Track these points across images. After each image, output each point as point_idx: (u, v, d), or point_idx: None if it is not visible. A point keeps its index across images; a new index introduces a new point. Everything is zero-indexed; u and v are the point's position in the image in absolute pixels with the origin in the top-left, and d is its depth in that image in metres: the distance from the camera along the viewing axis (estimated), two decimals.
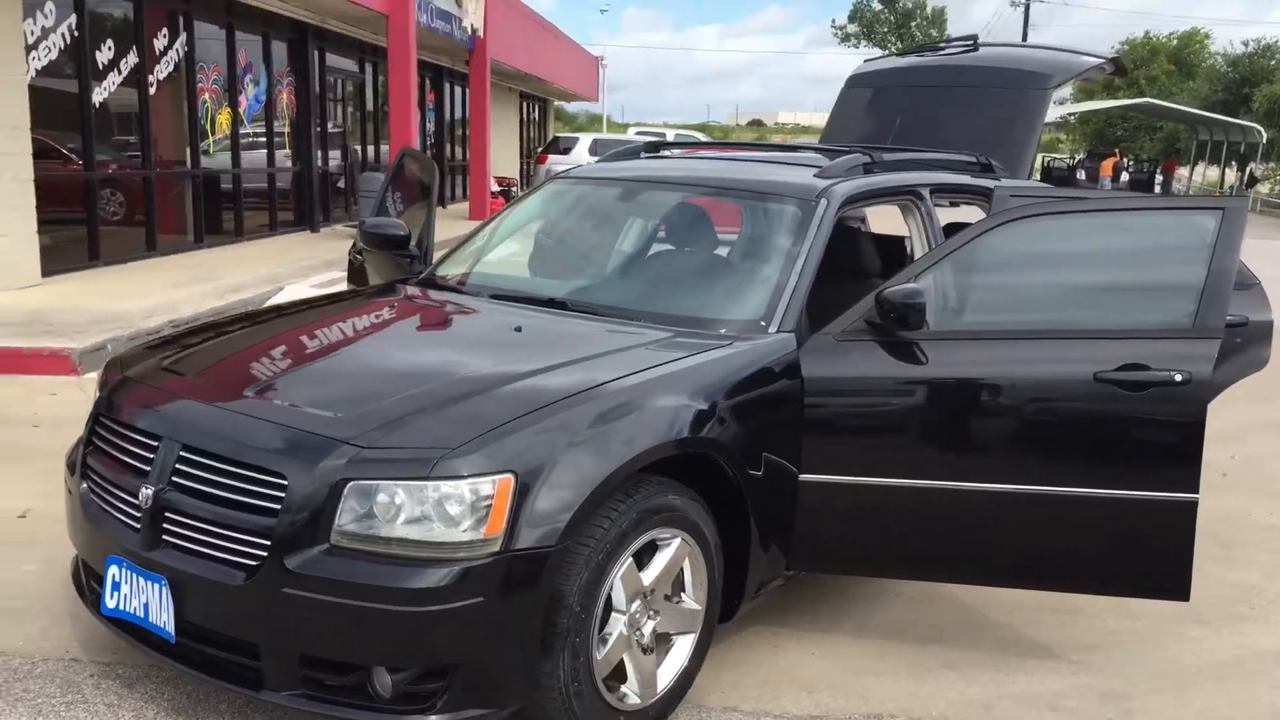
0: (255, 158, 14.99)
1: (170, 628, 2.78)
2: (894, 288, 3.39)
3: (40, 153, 9.98)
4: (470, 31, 18.87)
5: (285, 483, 2.65)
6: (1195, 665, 3.76)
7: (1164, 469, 3.30)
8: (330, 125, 17.62)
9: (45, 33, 10.20)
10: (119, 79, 11.44)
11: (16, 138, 9.53)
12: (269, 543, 2.63)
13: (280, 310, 3.96)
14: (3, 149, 9.35)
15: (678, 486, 3.04)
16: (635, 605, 3.00)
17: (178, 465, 2.82)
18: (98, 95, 11.06)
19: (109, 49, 11.26)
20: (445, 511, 2.60)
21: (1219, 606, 4.23)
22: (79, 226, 10.92)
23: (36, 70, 10.05)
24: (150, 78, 12.07)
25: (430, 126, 23.94)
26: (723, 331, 3.49)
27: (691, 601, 3.18)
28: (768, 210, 3.99)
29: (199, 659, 2.79)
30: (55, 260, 10.15)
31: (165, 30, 12.43)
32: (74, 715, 3.03)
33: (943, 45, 6.36)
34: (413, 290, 4.10)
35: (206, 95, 13.48)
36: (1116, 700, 3.47)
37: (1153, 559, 3.39)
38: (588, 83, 41.87)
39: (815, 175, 4.10)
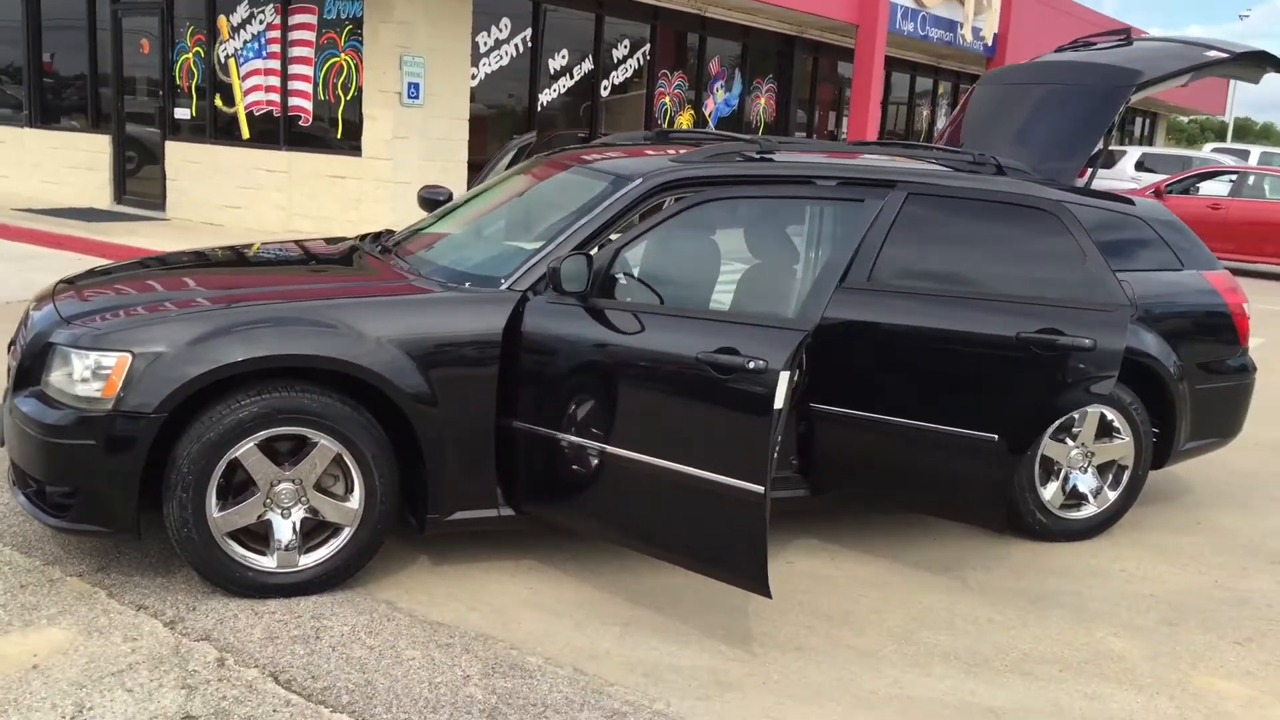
0: None
1: None
2: (556, 257, 3.66)
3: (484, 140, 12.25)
4: (974, 37, 18.62)
5: (18, 341, 3.78)
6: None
7: (735, 455, 3.22)
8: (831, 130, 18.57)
9: (498, 43, 12.42)
10: (570, 82, 13.45)
11: (456, 127, 11.81)
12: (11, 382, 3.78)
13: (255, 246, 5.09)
14: (446, 135, 11.67)
15: (323, 395, 3.64)
16: (282, 487, 3.69)
17: (21, 329, 4.08)
18: (545, 95, 13.14)
19: (562, 57, 13.30)
20: (83, 374, 3.55)
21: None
22: None
23: (486, 73, 12.30)
24: (604, 82, 13.96)
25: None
26: (466, 285, 3.97)
27: (351, 501, 3.78)
28: (596, 188, 4.30)
29: None
30: None
31: (627, 42, 14.25)
32: None
33: (1094, 40, 5.71)
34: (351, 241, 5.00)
35: (667, 99, 15.15)
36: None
37: (729, 542, 3.31)
38: (1209, 94, 37.95)
39: (672, 160, 4.30)
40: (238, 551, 3.69)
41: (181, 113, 13.37)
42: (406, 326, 3.75)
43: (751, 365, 3.18)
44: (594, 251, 3.82)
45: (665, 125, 15.19)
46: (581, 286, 3.64)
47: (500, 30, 12.41)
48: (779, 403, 3.16)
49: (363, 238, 5.02)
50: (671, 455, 3.40)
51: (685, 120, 15.54)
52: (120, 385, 3.51)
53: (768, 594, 3.28)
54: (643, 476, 3.49)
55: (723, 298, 3.68)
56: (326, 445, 3.70)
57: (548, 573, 4.13)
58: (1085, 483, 4.75)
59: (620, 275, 3.78)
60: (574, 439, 3.68)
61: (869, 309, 4.10)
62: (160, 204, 13.54)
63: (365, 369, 3.65)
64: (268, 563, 3.73)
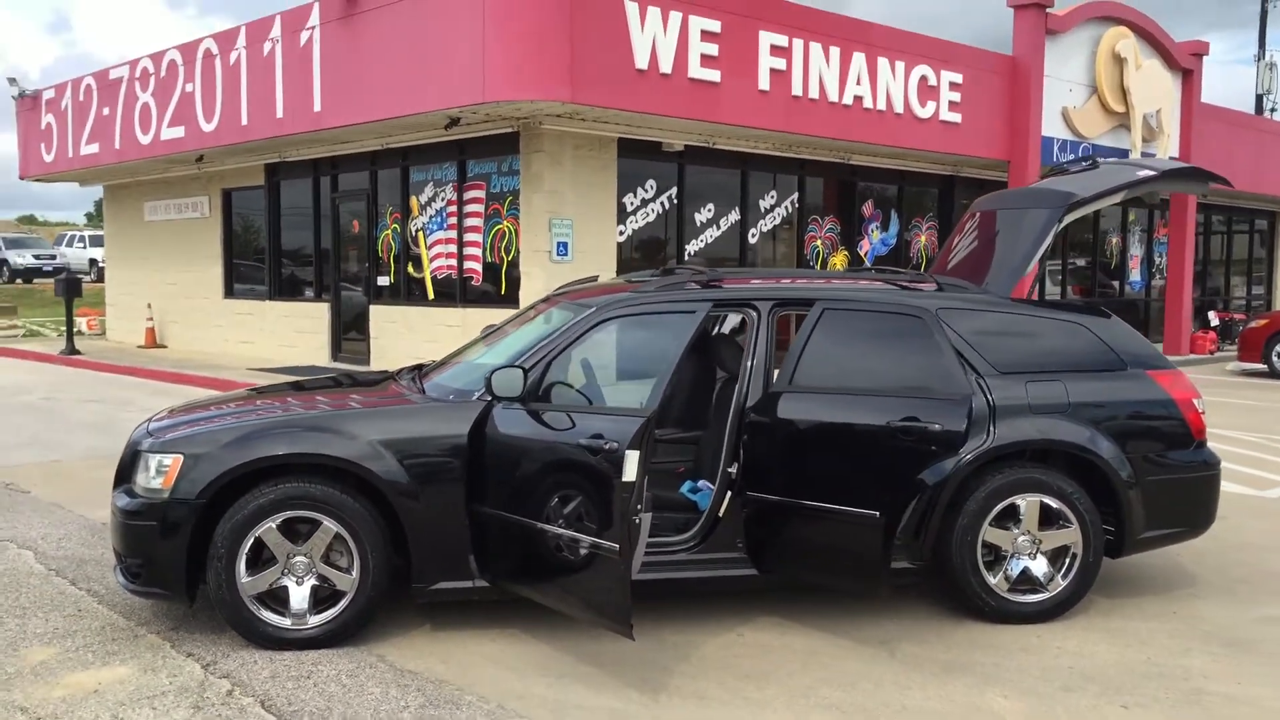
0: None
1: None
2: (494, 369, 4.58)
3: None
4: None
5: (122, 452, 5.01)
6: None
7: (603, 520, 3.96)
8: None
9: (644, 202, 13.71)
10: (717, 232, 14.55)
11: (604, 274, 13.04)
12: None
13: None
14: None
15: (326, 486, 4.64)
16: (297, 560, 4.69)
17: None
18: (693, 245, 14.27)
19: (708, 210, 14.45)
20: (150, 471, 4.71)
21: None
22: None
23: (633, 229, 13.58)
24: (752, 230, 14.98)
25: (1159, 259, 23.28)
26: (450, 397, 4.93)
27: (351, 572, 4.72)
28: (568, 317, 5.18)
29: None
30: None
31: (774, 193, 15.27)
32: None
33: (1069, 167, 6.19)
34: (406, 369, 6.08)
35: (818, 242, 15.98)
36: None
37: (602, 593, 4.03)
38: None
39: (629, 293, 5.16)
40: (261, 612, 4.69)
41: (382, 280, 15.31)
42: (391, 429, 4.73)
43: (608, 446, 3.96)
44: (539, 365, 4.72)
45: (818, 266, 16.00)
46: (514, 393, 4.53)
47: (646, 191, 13.71)
48: (629, 475, 3.90)
49: (400, 370, 6.08)
50: (567, 525, 4.18)
51: (839, 261, 16.28)
52: (175, 479, 4.64)
53: (630, 635, 3.96)
54: (549, 544, 4.28)
55: (636, 396, 4.48)
56: (329, 526, 4.68)
57: (521, 638, 4.90)
58: (1036, 568, 5.10)
59: (555, 382, 4.65)
60: (512, 517, 4.51)
61: (788, 406, 4.78)
62: (366, 359, 15.41)
63: (351, 462, 4.64)
64: (284, 621, 4.70)
